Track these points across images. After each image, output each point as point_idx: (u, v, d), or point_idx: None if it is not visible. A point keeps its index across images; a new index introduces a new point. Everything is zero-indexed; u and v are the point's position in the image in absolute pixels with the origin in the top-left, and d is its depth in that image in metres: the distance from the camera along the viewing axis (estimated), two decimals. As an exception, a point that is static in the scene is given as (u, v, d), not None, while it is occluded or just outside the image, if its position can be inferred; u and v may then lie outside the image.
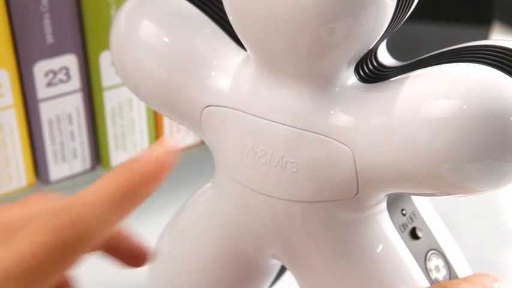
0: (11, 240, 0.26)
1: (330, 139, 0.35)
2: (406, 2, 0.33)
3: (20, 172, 0.60)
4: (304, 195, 0.36)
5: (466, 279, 0.37)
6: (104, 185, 0.27)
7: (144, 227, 0.36)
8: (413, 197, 0.40)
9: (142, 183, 0.28)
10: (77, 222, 0.26)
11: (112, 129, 0.62)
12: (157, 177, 0.28)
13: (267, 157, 0.36)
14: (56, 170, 0.61)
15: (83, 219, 0.26)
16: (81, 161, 0.62)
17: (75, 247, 0.26)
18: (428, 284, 0.38)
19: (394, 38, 0.39)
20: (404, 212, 0.39)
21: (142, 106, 0.62)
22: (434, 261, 0.39)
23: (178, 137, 0.33)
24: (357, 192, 0.35)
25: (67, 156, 0.61)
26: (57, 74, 0.58)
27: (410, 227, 0.39)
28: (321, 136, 0.35)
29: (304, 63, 0.34)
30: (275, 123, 0.36)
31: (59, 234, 0.26)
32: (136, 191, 0.28)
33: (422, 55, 0.36)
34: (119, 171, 0.28)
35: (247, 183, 0.37)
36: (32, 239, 0.26)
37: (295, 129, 0.35)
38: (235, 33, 0.36)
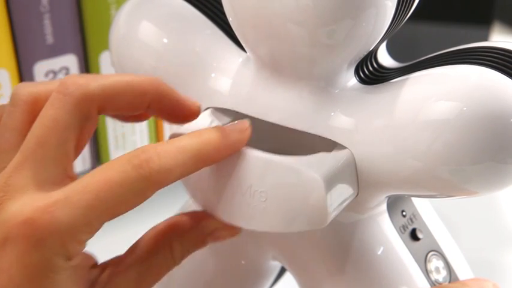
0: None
1: (299, 167, 0.33)
2: (406, 3, 0.33)
3: (20, 172, 0.59)
4: (274, 226, 0.34)
5: (465, 283, 0.37)
6: (185, 143, 0.31)
7: (143, 227, 0.36)
8: (413, 198, 0.40)
9: (215, 152, 0.32)
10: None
11: (112, 129, 0.62)
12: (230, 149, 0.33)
13: (234, 186, 0.34)
14: (56, 170, 0.61)
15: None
16: (81, 161, 0.62)
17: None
18: (428, 285, 0.38)
19: (394, 39, 0.39)
20: (404, 213, 0.39)
21: (142, 106, 0.62)
22: (435, 263, 0.39)
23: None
24: (357, 193, 0.35)
25: (67, 156, 0.61)
26: (57, 74, 0.58)
27: (410, 228, 0.39)
28: (289, 164, 0.33)
29: (304, 65, 0.34)
30: (243, 151, 0.34)
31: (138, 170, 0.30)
32: (208, 157, 0.32)
33: (422, 56, 0.36)
34: (201, 135, 0.32)
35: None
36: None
37: (263, 157, 0.33)
38: (235, 34, 0.36)
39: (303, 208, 0.33)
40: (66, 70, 0.58)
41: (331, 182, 0.33)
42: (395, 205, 0.39)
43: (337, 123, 0.35)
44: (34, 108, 0.33)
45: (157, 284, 0.46)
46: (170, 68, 0.38)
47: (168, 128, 0.64)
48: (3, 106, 0.34)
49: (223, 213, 0.35)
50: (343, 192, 0.34)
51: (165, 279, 0.45)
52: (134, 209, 0.33)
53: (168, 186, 0.32)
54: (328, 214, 0.33)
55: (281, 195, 0.33)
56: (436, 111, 0.32)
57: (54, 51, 0.57)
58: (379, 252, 0.38)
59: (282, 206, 0.33)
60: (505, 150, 0.32)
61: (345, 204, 0.34)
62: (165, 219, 0.36)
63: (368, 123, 0.34)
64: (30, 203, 0.29)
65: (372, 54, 0.36)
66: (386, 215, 0.38)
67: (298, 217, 0.33)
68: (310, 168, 0.32)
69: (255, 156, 0.33)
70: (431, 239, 0.40)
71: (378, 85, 0.35)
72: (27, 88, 0.33)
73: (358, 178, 0.35)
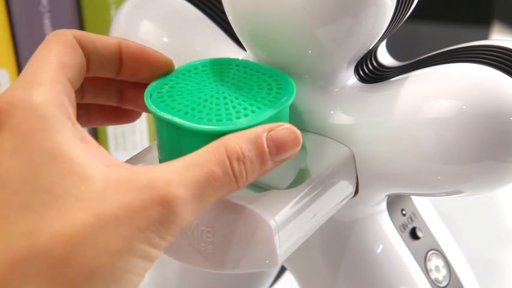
0: None
1: (247, 206, 0.31)
2: (405, 2, 0.33)
3: (20, 172, 0.59)
4: (221, 266, 0.32)
5: None
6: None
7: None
8: (413, 197, 0.40)
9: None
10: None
11: (112, 129, 0.62)
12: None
13: None
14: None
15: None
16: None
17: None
18: (428, 284, 0.38)
19: (394, 38, 0.39)
20: (404, 212, 0.39)
21: (142, 106, 0.62)
22: (435, 261, 0.39)
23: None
24: (357, 192, 0.35)
25: (67, 156, 0.61)
26: (57, 74, 0.58)
27: (410, 227, 0.39)
28: (236, 203, 0.31)
29: (304, 64, 0.34)
30: None
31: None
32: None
33: (422, 55, 0.36)
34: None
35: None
36: None
37: None
38: (234, 33, 0.36)
39: (250, 250, 0.31)
40: (66, 70, 0.58)
41: (280, 222, 0.31)
42: (395, 204, 0.39)
43: (337, 121, 0.35)
44: None
45: (154, 283, 0.46)
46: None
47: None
48: None
49: (173, 252, 0.33)
50: (297, 231, 0.32)
51: (164, 279, 0.45)
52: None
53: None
54: (278, 256, 0.31)
55: (228, 235, 0.31)
56: (436, 110, 0.32)
57: (54, 51, 0.57)
58: (378, 251, 0.38)
59: (228, 246, 0.31)
60: (505, 148, 0.32)
61: (302, 240, 0.33)
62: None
63: (368, 121, 0.34)
64: None
65: (372, 53, 0.36)
66: (386, 214, 0.38)
67: (245, 258, 0.31)
68: (258, 207, 0.31)
69: None
70: (431, 237, 0.40)
71: (377, 84, 0.35)
72: None
73: (358, 176, 0.35)
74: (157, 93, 0.32)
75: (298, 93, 0.35)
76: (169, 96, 0.32)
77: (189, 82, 0.33)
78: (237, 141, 0.29)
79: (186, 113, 0.31)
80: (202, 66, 0.34)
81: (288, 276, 0.44)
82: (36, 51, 0.31)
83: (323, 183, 0.33)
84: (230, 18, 0.35)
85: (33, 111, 0.28)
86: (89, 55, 0.32)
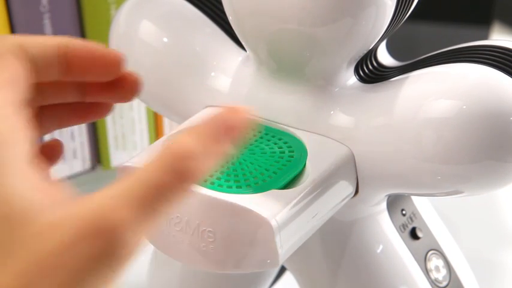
0: None
1: (248, 206, 0.31)
2: (405, 2, 0.33)
3: (20, 172, 0.59)
4: (223, 266, 0.32)
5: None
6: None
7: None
8: (413, 197, 0.40)
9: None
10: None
11: (112, 129, 0.62)
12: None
13: (182, 224, 0.32)
14: (56, 170, 0.61)
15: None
16: (81, 161, 0.62)
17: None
18: (428, 284, 0.38)
19: (394, 38, 0.39)
20: (404, 212, 0.39)
21: (143, 106, 0.62)
22: (435, 261, 0.39)
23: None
24: (357, 192, 0.35)
25: (67, 156, 0.61)
26: (57, 74, 0.58)
27: (410, 227, 0.39)
28: (237, 203, 0.31)
29: (304, 64, 0.34)
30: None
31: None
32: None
33: (422, 55, 0.36)
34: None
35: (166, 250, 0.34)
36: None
37: (209, 196, 0.31)
38: (234, 33, 0.36)
39: (252, 250, 0.31)
40: (66, 70, 0.58)
41: (282, 222, 0.30)
42: (395, 204, 0.39)
43: (336, 121, 0.35)
44: None
45: (155, 284, 0.46)
46: (170, 66, 0.38)
47: (168, 128, 0.64)
48: None
49: (174, 252, 0.33)
50: (298, 231, 0.32)
51: (165, 280, 0.45)
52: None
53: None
54: (279, 255, 0.31)
55: (229, 235, 0.31)
56: (436, 110, 0.32)
57: (54, 51, 0.57)
58: (378, 251, 0.38)
59: (229, 246, 0.31)
60: (505, 148, 0.32)
61: (303, 240, 0.33)
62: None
63: (368, 121, 0.34)
64: None
65: (372, 53, 0.36)
66: (386, 214, 0.38)
67: (246, 258, 0.31)
68: (259, 208, 0.30)
69: (202, 195, 0.31)
70: (431, 237, 0.40)
71: (377, 84, 0.35)
72: None
73: (358, 177, 0.35)
74: None
75: (298, 93, 0.35)
76: None
77: None
78: (181, 138, 0.26)
79: (205, 180, 0.31)
80: None
81: (288, 276, 0.44)
82: None
83: (323, 183, 0.33)
84: (230, 18, 0.35)
85: None
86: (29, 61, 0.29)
